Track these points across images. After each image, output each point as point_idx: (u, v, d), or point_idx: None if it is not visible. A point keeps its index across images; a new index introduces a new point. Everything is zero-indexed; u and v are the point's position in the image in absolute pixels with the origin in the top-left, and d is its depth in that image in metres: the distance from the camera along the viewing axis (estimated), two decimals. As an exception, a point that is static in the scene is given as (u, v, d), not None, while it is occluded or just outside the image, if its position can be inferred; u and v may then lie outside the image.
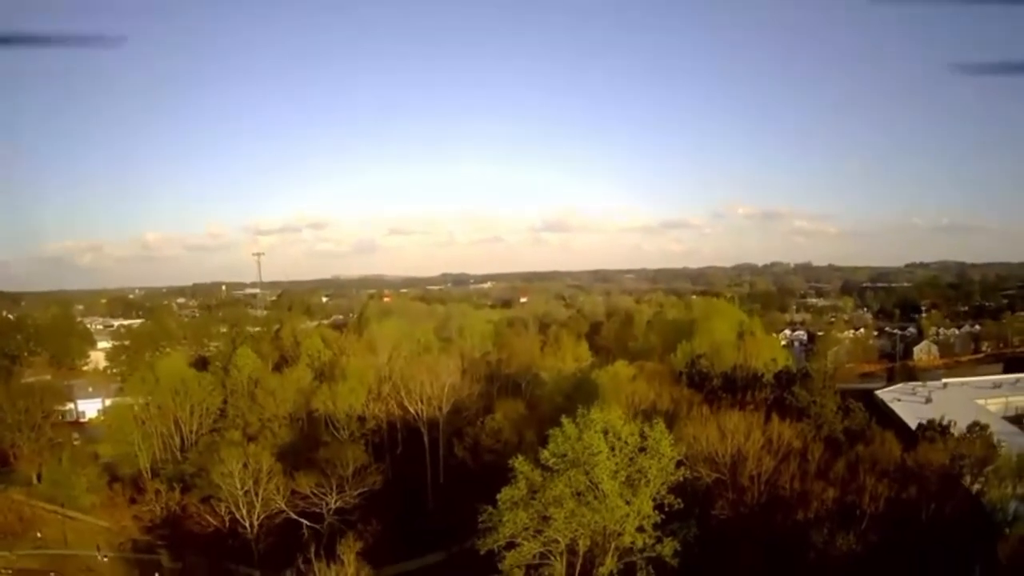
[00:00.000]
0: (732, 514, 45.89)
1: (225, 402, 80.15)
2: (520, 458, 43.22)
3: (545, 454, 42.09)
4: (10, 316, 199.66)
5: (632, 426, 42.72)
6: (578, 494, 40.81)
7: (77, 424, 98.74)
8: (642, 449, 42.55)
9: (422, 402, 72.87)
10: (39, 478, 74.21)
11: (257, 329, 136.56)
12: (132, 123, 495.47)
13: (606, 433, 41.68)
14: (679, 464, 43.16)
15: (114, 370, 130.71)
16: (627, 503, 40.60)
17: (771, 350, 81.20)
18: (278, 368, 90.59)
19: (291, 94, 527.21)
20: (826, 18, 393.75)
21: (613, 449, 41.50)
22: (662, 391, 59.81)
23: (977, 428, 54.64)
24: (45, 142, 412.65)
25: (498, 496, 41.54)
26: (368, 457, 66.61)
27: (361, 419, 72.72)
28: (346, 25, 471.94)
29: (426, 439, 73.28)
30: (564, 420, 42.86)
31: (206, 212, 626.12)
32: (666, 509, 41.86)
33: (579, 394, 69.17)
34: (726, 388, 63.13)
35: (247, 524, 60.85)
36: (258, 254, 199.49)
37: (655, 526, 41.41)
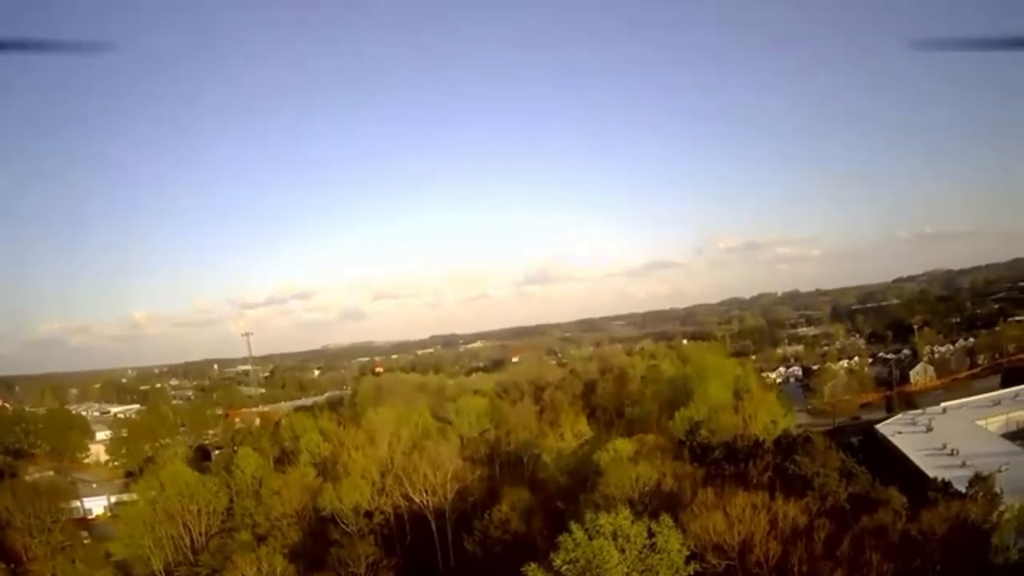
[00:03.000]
0: (744, 602, 46.36)
1: (231, 502, 80.00)
2: (533, 565, 43.72)
3: (557, 561, 42.63)
4: (7, 405, 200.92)
5: (640, 525, 43.43)
6: (592, 602, 41.30)
7: (84, 521, 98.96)
8: (651, 546, 43.27)
9: (427, 492, 73.24)
10: (55, 581, 73.94)
11: (256, 409, 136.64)
12: (114, 201, 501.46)
13: (615, 536, 42.35)
14: (689, 559, 43.83)
15: (115, 463, 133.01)
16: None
17: (769, 410, 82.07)
18: (280, 462, 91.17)
19: (270, 164, 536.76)
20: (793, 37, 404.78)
21: (623, 552, 42.14)
22: (664, 468, 60.36)
23: (979, 481, 55.47)
24: (28, 223, 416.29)
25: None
26: (378, 551, 66.51)
27: (368, 514, 72.82)
28: (316, 91, 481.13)
29: (434, 527, 73.36)
30: (573, 526, 43.58)
31: (192, 289, 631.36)
32: (679, 604, 42.49)
33: (582, 472, 70.03)
34: (728, 459, 63.77)
35: (265, 629, 60.54)
36: (247, 334, 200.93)
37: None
